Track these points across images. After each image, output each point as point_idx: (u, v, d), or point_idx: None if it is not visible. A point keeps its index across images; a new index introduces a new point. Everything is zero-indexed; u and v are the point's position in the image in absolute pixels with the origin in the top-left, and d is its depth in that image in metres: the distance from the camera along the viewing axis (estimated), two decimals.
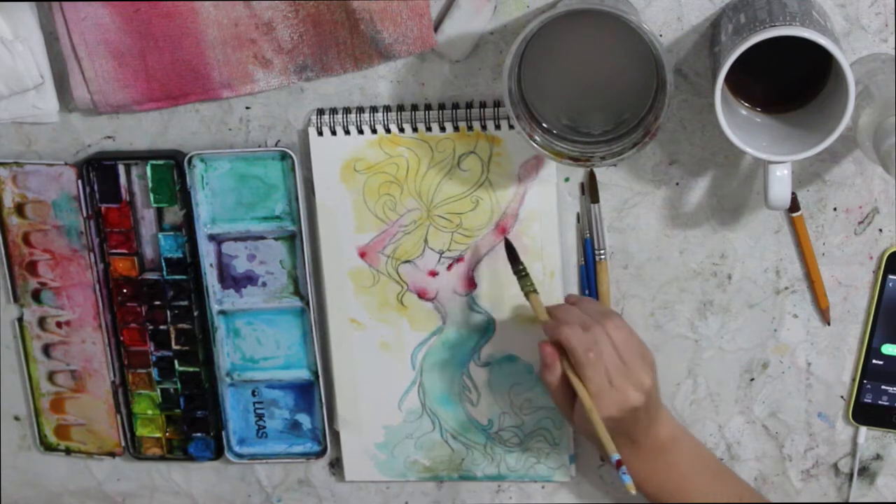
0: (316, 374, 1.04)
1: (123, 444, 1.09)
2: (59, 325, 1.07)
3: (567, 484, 1.07)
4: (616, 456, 0.89)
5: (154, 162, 1.00)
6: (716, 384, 1.03)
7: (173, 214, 1.02)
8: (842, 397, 1.02)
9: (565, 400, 0.94)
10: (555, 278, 0.99)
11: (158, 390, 1.07)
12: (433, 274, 1.01)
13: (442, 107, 0.96)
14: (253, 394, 1.07)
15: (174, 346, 1.05)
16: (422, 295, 1.02)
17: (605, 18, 0.86)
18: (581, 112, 0.91)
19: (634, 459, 0.94)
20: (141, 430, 1.09)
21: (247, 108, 0.99)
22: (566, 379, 0.92)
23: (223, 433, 1.07)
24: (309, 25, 0.94)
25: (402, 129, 0.97)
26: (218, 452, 1.08)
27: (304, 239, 1.00)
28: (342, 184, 0.99)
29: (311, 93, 0.98)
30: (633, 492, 0.88)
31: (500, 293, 1.00)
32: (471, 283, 1.01)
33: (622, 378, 0.91)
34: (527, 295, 0.95)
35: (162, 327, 1.04)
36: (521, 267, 0.96)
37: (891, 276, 0.97)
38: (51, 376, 1.09)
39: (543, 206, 0.97)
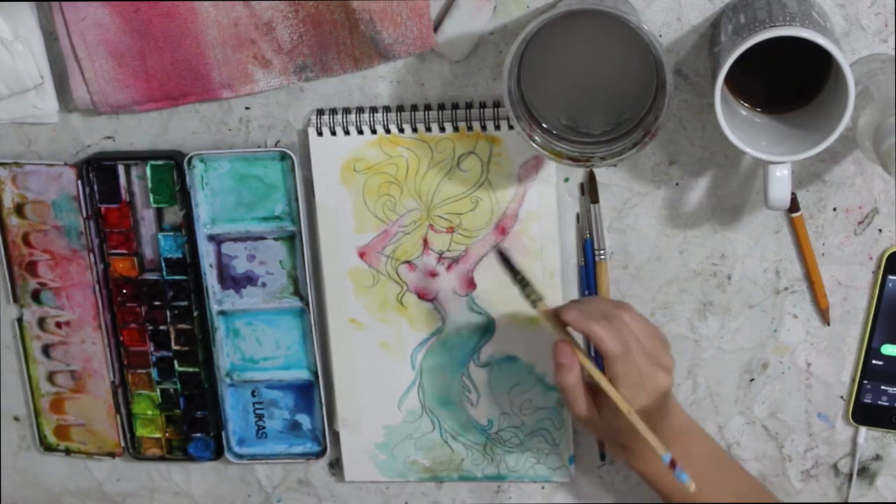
0: (316, 374, 1.04)
1: (123, 444, 1.09)
2: (58, 325, 1.07)
3: (567, 484, 1.07)
4: (668, 455, 0.86)
5: (154, 162, 1.00)
6: (716, 384, 1.03)
7: (173, 215, 1.02)
8: (842, 397, 1.02)
9: (584, 401, 0.90)
10: (554, 278, 0.99)
11: (158, 390, 1.07)
12: (433, 274, 1.01)
13: (442, 107, 0.96)
14: (253, 394, 1.07)
15: (174, 347, 1.05)
16: (422, 295, 1.02)
17: (605, 18, 0.86)
18: (581, 112, 0.91)
19: (652, 453, 0.89)
20: (141, 431, 1.09)
21: (247, 108, 0.99)
22: (583, 378, 0.89)
23: (223, 433, 1.07)
24: (309, 25, 0.94)
25: (401, 130, 0.97)
26: (218, 453, 1.08)
27: (304, 239, 1.00)
28: (342, 184, 0.99)
29: (311, 93, 0.98)
30: (693, 489, 0.85)
31: (499, 294, 1.00)
32: (470, 284, 1.01)
33: (649, 364, 0.88)
34: (534, 304, 0.89)
35: (162, 327, 1.04)
36: (520, 276, 0.90)
37: (891, 277, 0.97)
38: (50, 376, 1.09)
39: (543, 206, 0.97)
